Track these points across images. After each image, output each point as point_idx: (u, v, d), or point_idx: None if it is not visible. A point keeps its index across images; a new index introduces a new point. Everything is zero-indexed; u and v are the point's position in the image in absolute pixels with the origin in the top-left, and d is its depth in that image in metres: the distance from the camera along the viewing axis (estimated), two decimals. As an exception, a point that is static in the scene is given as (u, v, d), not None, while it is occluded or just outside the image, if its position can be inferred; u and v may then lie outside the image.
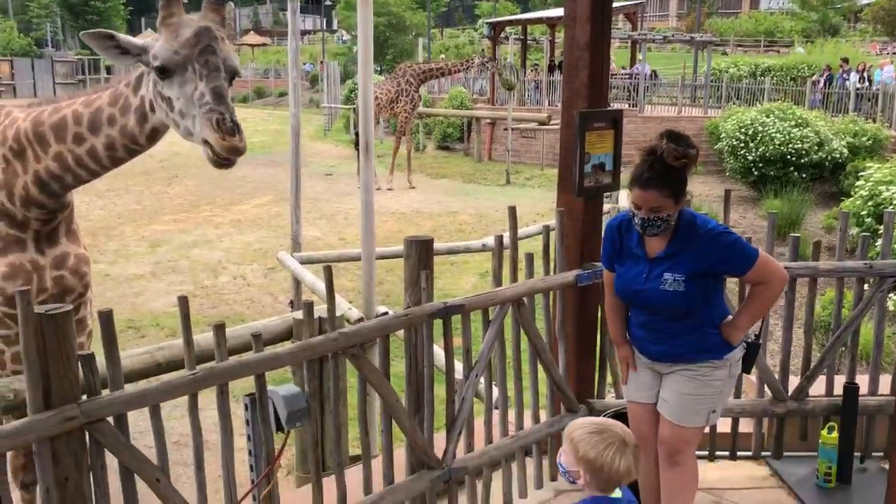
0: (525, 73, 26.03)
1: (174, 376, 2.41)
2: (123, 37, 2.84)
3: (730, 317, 2.98)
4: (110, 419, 2.23)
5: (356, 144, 18.54)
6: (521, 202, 16.27)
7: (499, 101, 24.01)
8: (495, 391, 3.55)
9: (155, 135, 3.06)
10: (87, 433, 2.20)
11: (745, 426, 3.91)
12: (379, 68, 34.07)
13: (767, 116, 15.24)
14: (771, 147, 14.62)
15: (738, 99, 23.44)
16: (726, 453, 3.86)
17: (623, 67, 28.72)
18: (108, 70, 42.87)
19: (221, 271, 10.98)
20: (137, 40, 2.86)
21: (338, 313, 4.10)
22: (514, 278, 3.40)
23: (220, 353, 2.48)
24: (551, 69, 25.12)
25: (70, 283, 3.46)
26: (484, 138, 21.79)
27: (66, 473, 2.16)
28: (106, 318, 2.23)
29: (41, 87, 41.86)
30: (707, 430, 3.20)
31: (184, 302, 2.42)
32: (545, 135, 19.99)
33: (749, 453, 3.88)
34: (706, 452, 3.80)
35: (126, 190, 16.84)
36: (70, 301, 3.47)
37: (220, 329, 2.50)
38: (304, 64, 44.65)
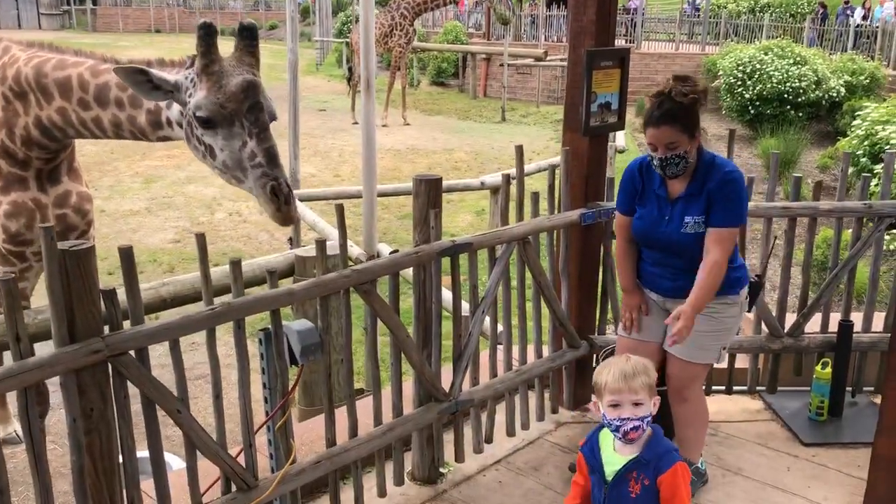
0: (521, 7, 25.56)
1: (193, 310, 2.46)
2: (156, 73, 2.79)
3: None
4: (132, 352, 2.29)
5: (349, 80, 18.29)
6: (517, 140, 16.11)
7: (494, 37, 23.64)
8: (500, 327, 3.64)
9: (166, 139, 3.06)
10: (110, 366, 2.26)
11: (742, 362, 4.02)
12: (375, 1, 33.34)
13: (766, 54, 15.12)
14: (769, 85, 14.55)
15: (736, 35, 23.15)
16: (722, 388, 3.97)
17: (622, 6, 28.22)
18: (95, 1, 41.86)
19: (217, 208, 10.98)
20: (170, 77, 2.82)
21: (338, 250, 4.16)
22: (520, 217, 3.44)
23: (237, 289, 2.53)
24: (549, 3, 24.67)
25: (73, 220, 3.48)
26: (479, 74, 21.54)
27: (91, 404, 2.23)
28: (126, 254, 2.27)
29: (25, 17, 40.86)
30: (718, 365, 3.27)
31: (201, 238, 2.46)
32: (541, 71, 19.79)
33: (744, 388, 4.00)
34: (703, 387, 3.91)
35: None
36: (73, 238, 3.49)
37: (236, 265, 2.54)
38: (295, -4, 43.66)
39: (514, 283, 3.53)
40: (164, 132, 3.01)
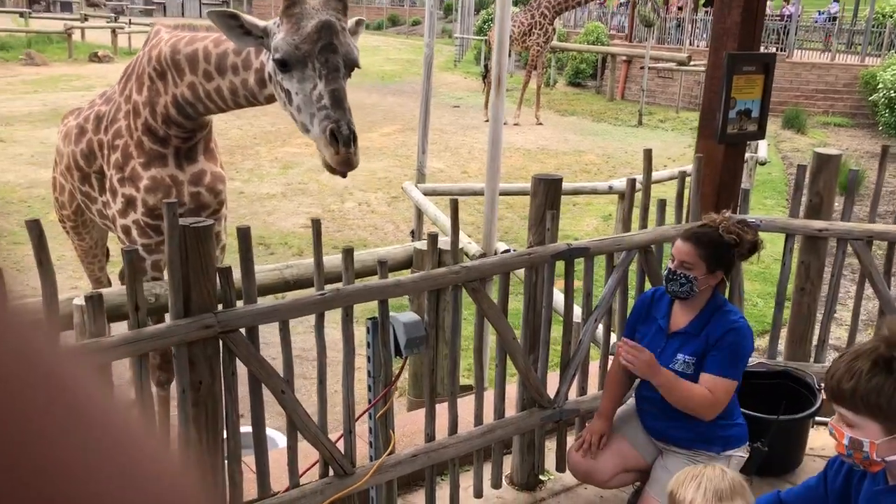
0: (667, 9, 24.81)
1: (303, 294, 2.50)
2: (247, 17, 2.82)
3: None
4: (242, 330, 2.35)
5: (484, 77, 18.33)
6: (652, 145, 15.59)
7: (636, 39, 23.05)
8: (613, 337, 3.51)
9: (272, 100, 3.08)
10: (220, 342, 2.32)
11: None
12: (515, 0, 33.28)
13: (934, 67, 13.98)
14: (934, 101, 13.44)
15: (902, 47, 21.51)
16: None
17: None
18: (251, -7, 44.04)
19: (347, 197, 11.26)
20: (260, 22, 2.83)
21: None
22: (644, 224, 3.30)
23: (348, 277, 2.55)
24: (696, 7, 23.80)
25: (206, 199, 3.61)
26: (618, 76, 21.06)
27: (200, 377, 2.31)
28: (244, 234, 2.33)
29: (188, 5, 43.54)
30: None
31: (316, 224, 2.49)
32: (683, 76, 19.11)
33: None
34: (826, 419, 3.63)
35: (264, 111, 17.41)
36: (205, 216, 3.63)
37: (348, 253, 2.56)
38: (439, -8, 44.28)
39: (632, 292, 3.39)
40: (269, 89, 3.02)
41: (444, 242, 4.24)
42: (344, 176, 2.76)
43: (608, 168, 13.31)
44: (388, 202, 11.02)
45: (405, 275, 3.40)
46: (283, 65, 2.73)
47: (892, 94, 14.05)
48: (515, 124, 16.74)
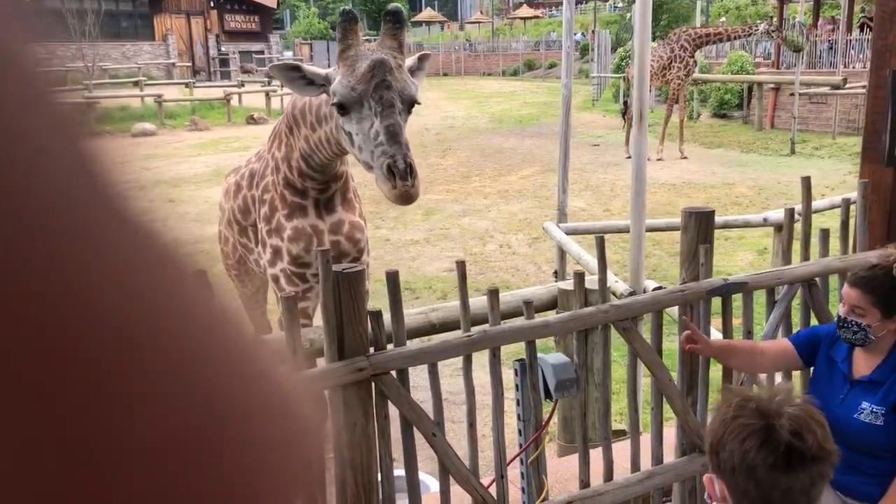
0: (817, 31, 23.64)
1: (451, 337, 2.51)
2: (308, 68, 2.89)
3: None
4: (393, 373, 2.38)
5: (623, 114, 18.09)
6: (807, 174, 14.83)
7: (784, 65, 22.07)
8: (777, 377, 3.29)
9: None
10: (372, 384, 2.36)
11: None
12: (652, 34, 32.87)
13: None
14: None
15: None
16: None
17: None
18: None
19: (489, 239, 11.35)
20: (321, 70, 2.89)
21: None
22: (806, 256, 3.10)
23: (494, 317, 2.54)
24: (850, 27, 22.53)
25: (345, 247, 3.68)
26: (766, 105, 20.19)
27: (354, 419, 2.35)
28: (393, 279, 2.38)
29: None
30: None
31: (461, 266, 2.51)
32: (839, 100, 18.05)
33: None
34: None
35: (405, 161, 17.97)
36: (346, 263, 3.72)
37: (493, 294, 2.56)
38: (576, 34, 44.36)
39: (795, 329, 3.17)
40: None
41: (590, 281, 4.16)
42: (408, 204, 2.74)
43: (760, 200, 12.70)
44: (528, 243, 11.01)
45: (551, 315, 3.36)
46: (342, 108, 2.78)
47: None
48: (659, 159, 16.36)
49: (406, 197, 2.64)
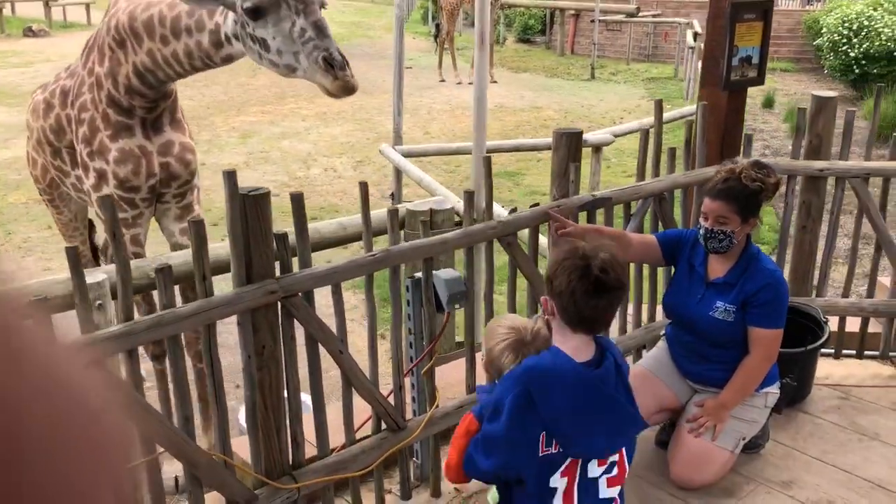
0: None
1: (355, 257, 2.54)
2: None
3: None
4: (300, 294, 2.39)
5: (436, 37, 18.21)
6: (607, 98, 15.89)
7: (583, -8, 23.08)
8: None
9: (229, 60, 3.07)
10: (279, 305, 2.36)
11: (874, 326, 3.91)
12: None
13: (875, 10, 14.35)
14: (877, 43, 13.83)
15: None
16: (853, 352, 3.89)
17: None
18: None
19: (312, 163, 11.18)
20: None
21: (447, 206, 4.19)
22: (656, 173, 3.41)
23: (394, 236, 2.60)
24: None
25: (176, 169, 3.54)
26: (567, 31, 21.12)
27: (263, 342, 2.35)
28: (297, 201, 2.36)
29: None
30: (733, 459, 2.99)
31: (364, 187, 2.53)
32: (632, 28, 19.26)
33: (876, 353, 3.90)
34: (832, 350, 3.84)
35: (213, 80, 17.02)
36: (176, 187, 3.58)
37: (393, 213, 2.61)
38: (378, -48, 43.45)
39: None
40: (226, 50, 3.02)
41: (435, 202, 4.29)
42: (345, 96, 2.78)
43: (567, 123, 13.42)
44: (353, 167, 10.97)
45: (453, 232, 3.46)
46: (255, 12, 2.72)
47: (836, 38, 14.41)
48: (471, 83, 16.66)
49: (349, 88, 2.64)
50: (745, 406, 2.96)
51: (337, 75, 2.62)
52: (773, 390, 3.02)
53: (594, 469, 2.14)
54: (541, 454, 2.06)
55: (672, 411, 3.09)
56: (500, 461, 2.07)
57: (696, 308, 2.93)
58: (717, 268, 2.94)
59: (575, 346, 2.10)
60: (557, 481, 2.09)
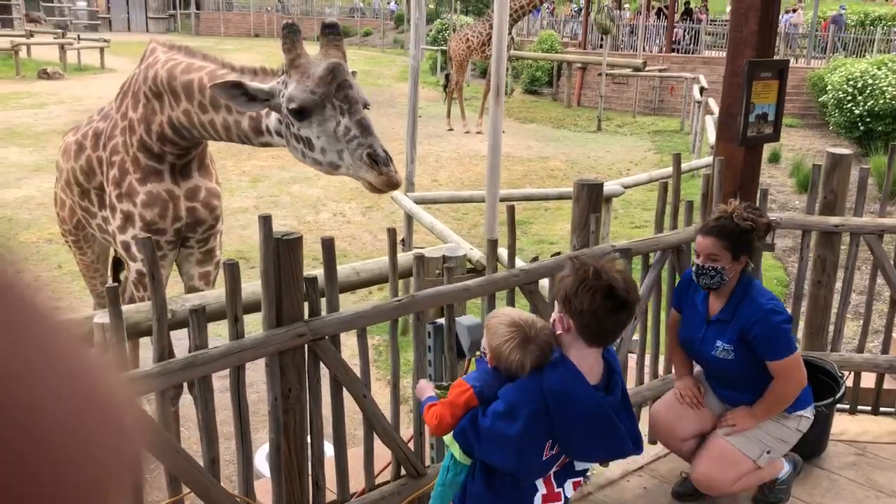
0: (621, 16, 25.33)
1: (382, 302, 2.57)
2: (251, 84, 2.87)
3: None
4: (327, 337, 2.42)
5: (445, 87, 18.49)
6: (613, 150, 16.07)
7: (591, 45, 23.51)
8: (635, 336, 3.65)
9: (266, 145, 3.15)
10: (306, 348, 2.39)
11: (890, 383, 3.92)
12: (465, 10, 33.59)
13: (879, 69, 14.59)
14: (881, 101, 14.03)
15: (843, 49, 22.38)
16: (868, 408, 3.88)
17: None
18: (198, 5, 43.51)
19: (321, 208, 11.27)
20: (264, 86, 2.88)
21: (459, 253, 4.23)
22: (674, 225, 3.46)
23: (419, 283, 2.64)
24: (654, 13, 24.36)
25: (201, 214, 3.60)
26: (574, 83, 21.45)
27: (289, 385, 2.37)
28: (328, 245, 2.40)
29: (134, 20, 42.77)
30: (755, 473, 3.07)
31: (392, 234, 2.57)
32: (639, 81, 19.56)
33: (891, 409, 3.90)
34: (847, 406, 3.83)
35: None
36: (201, 232, 3.64)
37: (420, 259, 2.65)
38: (389, 2, 44.35)
39: (665, 288, 3.54)
40: (265, 139, 3.10)
41: (448, 249, 4.33)
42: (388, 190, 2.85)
43: (573, 173, 13.56)
44: (362, 212, 11.06)
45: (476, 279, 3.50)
46: (300, 113, 2.79)
47: (841, 95, 14.62)
48: (478, 132, 16.92)
49: (392, 183, 2.73)
50: (777, 423, 2.99)
51: (381, 171, 2.69)
52: (808, 414, 3.04)
53: (580, 464, 2.30)
54: (544, 459, 2.17)
55: (704, 436, 3.12)
56: (506, 461, 2.15)
57: (700, 347, 3.01)
58: (716, 305, 3.01)
59: (590, 366, 2.19)
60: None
